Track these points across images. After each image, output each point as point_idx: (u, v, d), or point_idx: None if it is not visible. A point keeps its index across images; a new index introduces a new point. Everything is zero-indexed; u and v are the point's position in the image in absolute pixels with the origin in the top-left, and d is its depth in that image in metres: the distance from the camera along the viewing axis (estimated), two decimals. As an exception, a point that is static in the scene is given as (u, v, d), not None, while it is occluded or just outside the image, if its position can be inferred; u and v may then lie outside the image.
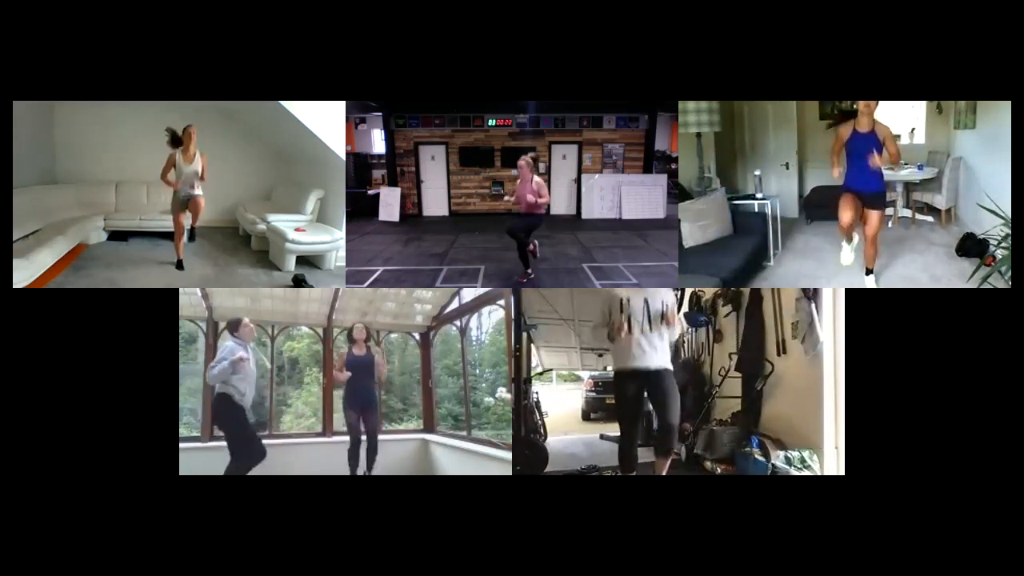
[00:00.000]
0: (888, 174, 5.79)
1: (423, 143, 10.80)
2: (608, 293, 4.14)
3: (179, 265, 6.25)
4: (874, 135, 4.64)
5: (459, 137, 10.78)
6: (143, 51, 3.82)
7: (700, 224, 5.91)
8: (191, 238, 6.52)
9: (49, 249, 5.79)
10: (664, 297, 4.02)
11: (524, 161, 6.05)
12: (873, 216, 4.86)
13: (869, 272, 5.03)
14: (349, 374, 5.33)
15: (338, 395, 6.97)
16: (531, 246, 6.28)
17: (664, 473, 3.93)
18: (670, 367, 3.99)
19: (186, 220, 6.24)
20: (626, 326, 3.91)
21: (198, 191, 6.10)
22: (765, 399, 4.98)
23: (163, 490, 3.67)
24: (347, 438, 5.42)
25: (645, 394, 3.95)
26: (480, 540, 3.58)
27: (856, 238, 5.10)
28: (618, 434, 4.10)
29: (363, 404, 5.38)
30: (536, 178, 6.03)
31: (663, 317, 3.93)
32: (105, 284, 5.76)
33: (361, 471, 5.32)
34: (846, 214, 4.87)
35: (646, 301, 3.96)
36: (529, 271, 6.19)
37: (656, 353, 3.94)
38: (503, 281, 6.23)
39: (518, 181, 6.11)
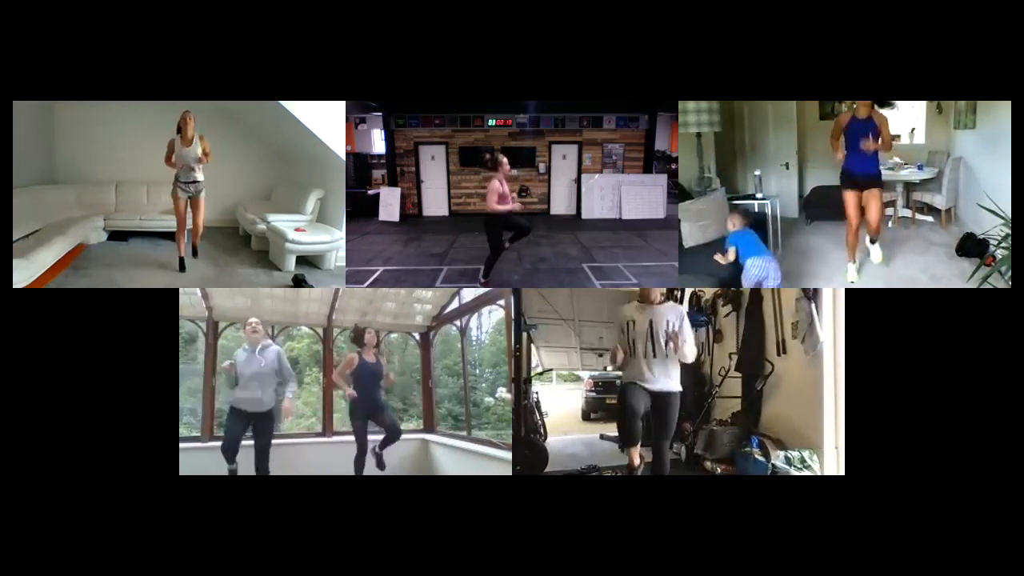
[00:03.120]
0: (888, 174, 5.82)
1: (423, 143, 10.80)
2: (620, 315, 4.00)
3: (181, 266, 6.23)
4: (871, 121, 4.91)
5: (459, 137, 10.78)
6: (143, 51, 3.82)
7: (700, 224, 5.91)
8: (194, 253, 6.44)
9: (49, 249, 5.79)
10: (670, 316, 3.88)
11: (501, 156, 5.86)
12: (872, 198, 5.04)
13: (873, 241, 5.14)
14: (355, 394, 5.17)
15: (338, 394, 6.99)
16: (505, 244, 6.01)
17: (636, 464, 3.94)
18: (677, 390, 3.90)
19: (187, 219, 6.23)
20: (622, 352, 3.86)
21: (199, 176, 6.04)
22: (765, 399, 4.98)
23: (163, 490, 3.67)
24: (351, 440, 5.35)
25: (648, 407, 3.89)
26: (480, 540, 3.58)
27: (859, 258, 5.25)
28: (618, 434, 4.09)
29: (372, 412, 5.26)
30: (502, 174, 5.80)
31: (668, 341, 3.82)
32: (105, 284, 5.76)
33: (373, 450, 5.26)
34: (850, 203, 5.10)
35: (651, 324, 3.86)
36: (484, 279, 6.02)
37: (660, 377, 3.85)
38: (503, 281, 6.23)
39: (496, 180, 5.80)
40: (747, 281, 4.76)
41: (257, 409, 4.77)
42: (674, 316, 3.90)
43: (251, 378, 4.74)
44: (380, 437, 5.28)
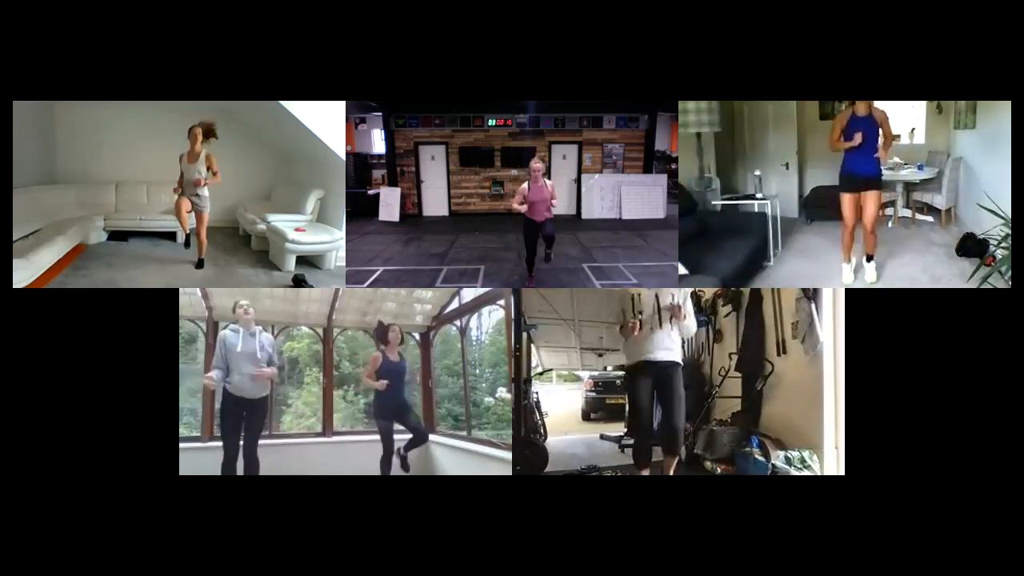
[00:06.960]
0: (888, 174, 5.82)
1: (423, 143, 10.79)
2: (621, 292, 4.21)
3: (187, 243, 6.24)
4: (871, 118, 4.89)
5: (459, 137, 10.78)
6: (143, 51, 3.83)
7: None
8: (199, 265, 6.37)
9: (49, 249, 5.79)
10: (674, 292, 4.09)
11: (539, 163, 5.83)
12: (870, 200, 5.02)
13: (870, 259, 5.11)
14: (386, 382, 5.08)
15: (339, 394, 6.98)
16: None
17: (671, 472, 3.97)
18: (680, 362, 4.06)
19: (190, 221, 6.25)
20: (638, 325, 3.96)
21: (204, 192, 6.06)
22: (765, 399, 4.97)
23: (163, 490, 3.67)
24: (376, 441, 5.34)
25: (655, 390, 4.00)
26: (480, 540, 3.58)
27: (855, 259, 5.25)
28: (618, 434, 4.12)
29: (397, 412, 5.25)
30: (548, 181, 5.87)
31: (672, 314, 3.98)
32: (105, 284, 5.76)
33: (399, 452, 5.27)
34: (847, 207, 5.08)
35: (656, 297, 4.03)
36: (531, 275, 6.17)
37: (665, 348, 4.00)
38: (503, 281, 6.23)
39: (527, 184, 5.76)
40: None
41: (252, 395, 4.62)
42: (678, 292, 4.11)
43: (247, 360, 4.58)
44: (406, 438, 5.29)
